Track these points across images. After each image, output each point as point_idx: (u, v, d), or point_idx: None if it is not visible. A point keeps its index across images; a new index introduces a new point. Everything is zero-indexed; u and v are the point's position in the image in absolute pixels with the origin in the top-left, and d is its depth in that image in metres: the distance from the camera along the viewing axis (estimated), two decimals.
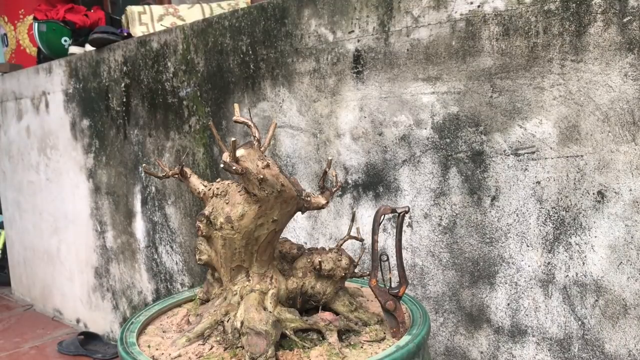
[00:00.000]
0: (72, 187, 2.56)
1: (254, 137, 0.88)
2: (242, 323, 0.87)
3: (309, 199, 0.94)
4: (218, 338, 0.90)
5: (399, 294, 0.93)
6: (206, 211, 0.92)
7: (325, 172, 0.95)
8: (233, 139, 0.79)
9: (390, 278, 0.94)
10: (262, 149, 0.87)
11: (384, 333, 0.93)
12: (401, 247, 0.93)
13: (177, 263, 2.06)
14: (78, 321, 2.72)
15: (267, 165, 0.83)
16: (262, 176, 0.82)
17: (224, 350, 0.88)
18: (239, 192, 0.88)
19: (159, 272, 2.15)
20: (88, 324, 2.65)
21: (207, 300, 1.05)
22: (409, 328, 0.92)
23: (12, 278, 3.31)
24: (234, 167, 0.80)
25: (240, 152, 0.82)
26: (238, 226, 0.88)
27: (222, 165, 0.79)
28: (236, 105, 0.90)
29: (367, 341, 0.91)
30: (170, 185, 2.02)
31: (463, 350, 1.31)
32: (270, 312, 0.90)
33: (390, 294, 0.92)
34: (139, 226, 2.20)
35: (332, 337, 0.89)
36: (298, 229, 1.62)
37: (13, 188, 3.07)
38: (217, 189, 0.93)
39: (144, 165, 1.01)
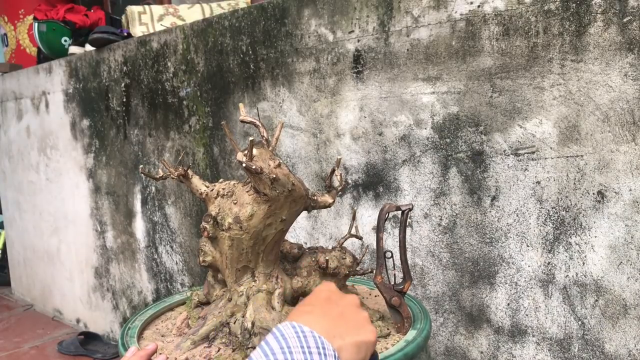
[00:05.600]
0: (72, 187, 2.56)
1: (263, 137, 0.88)
2: (253, 323, 0.87)
3: (315, 197, 0.95)
4: (224, 340, 0.90)
5: (403, 289, 0.93)
6: (213, 212, 0.91)
7: (333, 171, 0.96)
8: (251, 138, 0.79)
9: (394, 274, 0.95)
10: (270, 148, 0.87)
11: (388, 329, 0.94)
12: (405, 243, 0.93)
13: (177, 263, 2.06)
14: (78, 321, 2.72)
15: (279, 165, 0.84)
16: (274, 175, 0.82)
17: (233, 352, 0.87)
18: (247, 192, 0.88)
19: (159, 272, 2.16)
20: (88, 324, 2.65)
21: (207, 303, 1.04)
22: (412, 324, 0.93)
23: (12, 278, 3.31)
24: (254, 167, 0.80)
25: (253, 152, 0.82)
26: (247, 226, 0.87)
27: (243, 165, 0.79)
28: (241, 105, 0.90)
29: None
30: (170, 185, 2.02)
31: (463, 350, 1.31)
32: (279, 311, 0.90)
33: (396, 290, 0.93)
34: (139, 226, 2.20)
35: None
36: (298, 229, 1.62)
37: (13, 188, 3.07)
38: (223, 189, 0.93)
39: (141, 167, 1.01)
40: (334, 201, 0.97)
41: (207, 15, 2.13)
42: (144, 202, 2.15)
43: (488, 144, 1.20)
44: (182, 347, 0.89)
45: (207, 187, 0.96)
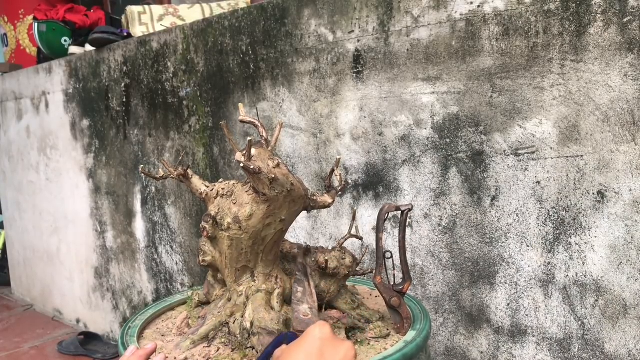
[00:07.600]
0: (72, 187, 2.56)
1: (262, 136, 0.88)
2: (252, 323, 0.87)
3: (314, 198, 0.95)
4: (223, 339, 0.90)
5: (403, 290, 0.93)
6: (212, 212, 0.91)
7: (332, 171, 0.96)
8: (249, 138, 0.79)
9: (394, 275, 0.95)
10: (270, 148, 0.87)
11: (387, 329, 0.94)
12: (405, 244, 0.93)
13: (177, 263, 2.06)
14: (78, 321, 2.72)
15: (278, 165, 0.84)
16: (273, 176, 0.82)
17: (232, 351, 0.88)
18: (246, 192, 0.88)
19: (159, 272, 2.16)
20: (88, 324, 2.65)
21: (207, 302, 1.04)
22: (411, 324, 0.93)
23: (12, 278, 3.31)
24: (252, 167, 0.80)
25: (251, 152, 0.83)
26: (246, 226, 0.87)
27: (241, 165, 0.79)
28: (241, 105, 0.90)
29: (373, 337, 0.92)
30: (170, 185, 2.02)
31: (463, 350, 1.31)
32: (278, 311, 0.90)
33: (395, 291, 0.93)
34: (139, 226, 2.20)
35: (341, 335, 0.89)
36: (298, 229, 1.62)
37: (13, 188, 3.07)
38: (222, 189, 0.93)
39: (141, 167, 1.01)
40: (333, 201, 0.97)
41: (207, 15, 2.13)
42: (144, 202, 2.15)
43: (488, 144, 1.20)
44: (181, 347, 0.89)
45: (207, 187, 0.96)
